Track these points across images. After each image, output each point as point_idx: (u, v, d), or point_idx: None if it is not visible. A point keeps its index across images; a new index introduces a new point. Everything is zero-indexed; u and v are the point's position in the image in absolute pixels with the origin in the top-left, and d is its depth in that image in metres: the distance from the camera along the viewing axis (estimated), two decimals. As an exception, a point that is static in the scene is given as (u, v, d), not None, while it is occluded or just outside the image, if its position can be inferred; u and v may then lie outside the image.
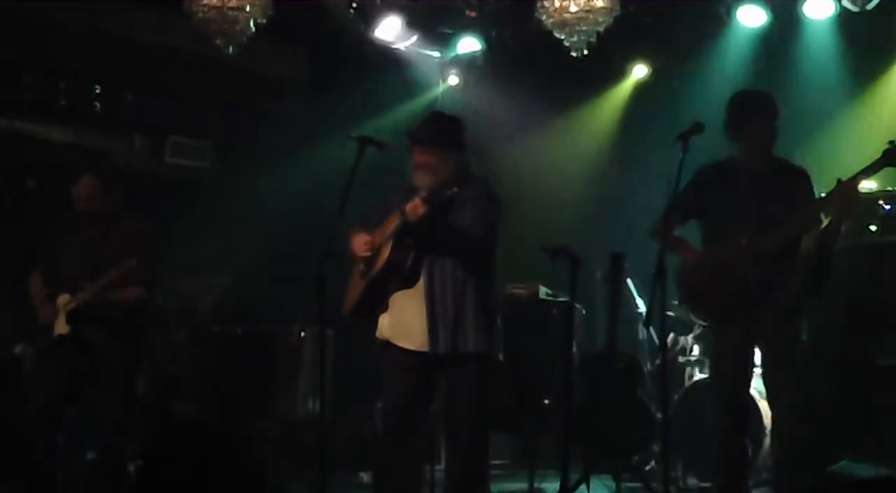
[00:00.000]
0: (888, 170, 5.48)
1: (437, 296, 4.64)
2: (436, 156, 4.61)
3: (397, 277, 4.68)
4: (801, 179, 5.01)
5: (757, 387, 5.84)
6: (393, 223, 4.65)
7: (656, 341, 6.91)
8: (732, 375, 5.00)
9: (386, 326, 4.78)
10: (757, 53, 7.69)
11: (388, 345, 4.77)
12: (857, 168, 4.80)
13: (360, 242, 4.79)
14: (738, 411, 4.99)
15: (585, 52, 6.56)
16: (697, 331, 7.03)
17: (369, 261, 4.76)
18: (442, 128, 4.72)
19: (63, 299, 5.60)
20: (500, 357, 4.91)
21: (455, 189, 4.46)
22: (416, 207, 4.50)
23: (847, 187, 4.73)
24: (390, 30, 7.73)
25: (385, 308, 4.78)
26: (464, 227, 4.64)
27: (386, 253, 4.65)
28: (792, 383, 4.92)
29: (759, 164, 5.01)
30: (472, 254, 4.67)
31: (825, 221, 4.85)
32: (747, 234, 4.88)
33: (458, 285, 4.65)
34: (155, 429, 6.22)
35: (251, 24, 6.48)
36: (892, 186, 6.25)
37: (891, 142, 4.68)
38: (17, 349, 6.58)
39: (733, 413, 4.98)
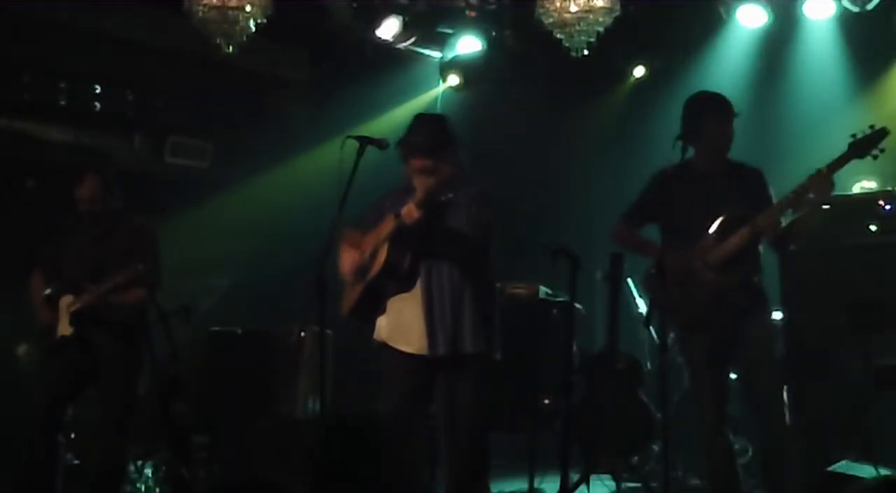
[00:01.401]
0: (888, 170, 5.53)
1: (435, 298, 4.65)
2: (432, 160, 4.61)
3: (394, 279, 4.68)
4: (756, 179, 5.01)
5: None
6: (388, 226, 4.65)
7: (656, 341, 6.90)
8: (709, 381, 4.99)
9: (384, 328, 4.78)
10: (757, 53, 7.69)
11: (386, 347, 4.77)
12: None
13: (347, 264, 4.79)
14: (718, 417, 4.98)
15: (585, 52, 6.56)
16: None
17: (366, 264, 4.76)
18: (432, 131, 4.71)
19: (66, 300, 5.60)
20: (499, 357, 4.90)
21: (451, 195, 4.47)
22: (410, 211, 4.50)
23: (821, 177, 4.75)
24: (390, 30, 7.72)
25: (383, 310, 4.78)
26: (459, 229, 4.63)
27: (383, 256, 4.65)
28: (772, 385, 4.91)
29: (713, 166, 5.00)
30: (468, 255, 4.67)
31: (783, 222, 4.86)
32: (704, 239, 4.87)
33: (456, 286, 4.66)
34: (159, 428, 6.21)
35: (251, 23, 6.48)
36: (892, 186, 6.25)
37: (853, 135, 4.73)
38: (18, 350, 6.58)
39: (714, 420, 4.97)
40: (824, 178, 4.76)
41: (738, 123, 5.08)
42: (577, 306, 6.75)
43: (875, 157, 4.75)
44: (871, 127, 4.75)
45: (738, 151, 5.15)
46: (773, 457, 4.92)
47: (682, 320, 5.04)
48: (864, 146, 4.73)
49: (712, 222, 4.88)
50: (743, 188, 4.94)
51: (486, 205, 4.74)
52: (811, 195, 4.81)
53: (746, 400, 5.13)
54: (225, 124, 8.19)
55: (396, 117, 8.24)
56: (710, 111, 4.98)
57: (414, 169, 4.67)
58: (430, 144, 4.64)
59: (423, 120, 4.87)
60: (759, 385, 4.93)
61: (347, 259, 4.82)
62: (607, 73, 8.44)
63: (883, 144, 4.75)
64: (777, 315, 6.14)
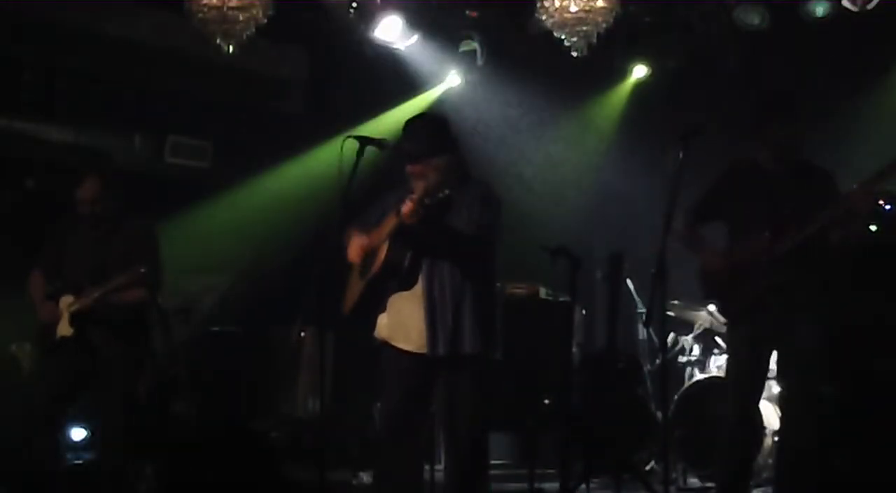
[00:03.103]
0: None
1: (436, 298, 4.65)
2: (422, 164, 4.62)
3: (394, 278, 4.69)
4: (824, 181, 4.98)
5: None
6: (389, 224, 4.65)
7: (656, 341, 6.91)
8: (744, 374, 5.00)
9: (384, 326, 4.79)
10: (757, 53, 7.69)
11: (386, 345, 4.78)
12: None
13: (354, 248, 4.80)
14: (746, 410, 4.99)
15: (585, 52, 6.56)
16: (697, 331, 7.04)
17: (367, 262, 4.77)
18: (421, 137, 4.70)
19: (66, 300, 5.60)
20: (500, 357, 4.91)
21: (447, 192, 4.46)
22: (408, 210, 4.50)
23: (860, 192, 4.71)
24: (390, 30, 7.73)
25: (383, 309, 4.78)
26: (460, 229, 4.64)
27: (383, 254, 4.66)
28: (805, 388, 4.90)
29: (780, 166, 4.98)
30: (468, 256, 4.67)
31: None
32: (761, 236, 4.87)
33: (457, 286, 4.65)
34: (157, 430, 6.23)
35: (251, 24, 6.49)
36: (892, 187, 6.25)
37: None
38: (16, 349, 6.59)
39: (741, 412, 4.97)
40: (863, 193, 4.71)
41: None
42: (577, 305, 6.78)
43: None
44: None
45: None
46: (795, 457, 4.91)
47: (730, 313, 5.08)
48: None
49: (775, 221, 4.87)
50: (808, 188, 4.91)
51: (489, 205, 4.73)
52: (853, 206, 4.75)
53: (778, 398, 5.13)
54: (225, 124, 8.19)
55: (396, 117, 8.25)
56: (777, 110, 4.98)
57: (407, 172, 4.69)
58: (419, 150, 4.64)
59: (414, 125, 4.84)
60: (793, 384, 4.92)
61: (355, 243, 4.81)
62: (607, 73, 8.44)
63: None
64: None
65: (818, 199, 4.86)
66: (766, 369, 5.09)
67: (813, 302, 4.94)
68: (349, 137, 4.72)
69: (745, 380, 4.99)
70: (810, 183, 4.95)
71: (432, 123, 4.83)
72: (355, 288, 4.84)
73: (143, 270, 5.39)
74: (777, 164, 4.98)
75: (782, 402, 5.08)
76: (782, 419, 5.04)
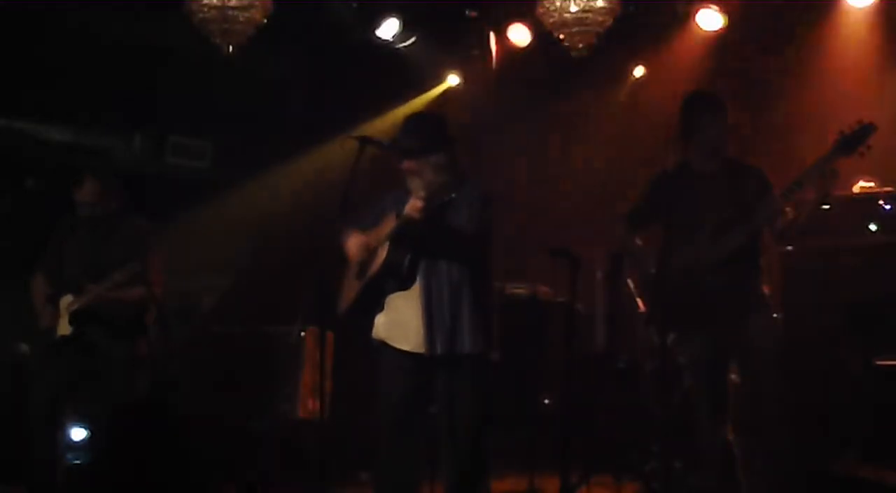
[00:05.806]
0: (888, 169, 5.52)
1: (434, 298, 4.65)
2: (418, 162, 4.62)
3: (394, 278, 4.69)
4: (753, 177, 4.98)
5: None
6: (389, 225, 4.66)
7: (656, 341, 6.91)
8: (707, 381, 5.00)
9: (382, 326, 4.79)
10: (757, 52, 7.69)
11: (384, 345, 4.78)
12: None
13: (355, 246, 4.79)
14: (716, 416, 4.99)
15: (585, 52, 6.56)
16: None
17: (365, 262, 4.77)
18: (420, 133, 4.70)
19: (66, 300, 5.61)
20: (497, 357, 4.91)
21: (454, 195, 4.48)
22: (415, 207, 4.51)
23: (780, 200, 4.75)
24: (390, 30, 7.73)
25: (381, 309, 4.78)
26: (459, 228, 4.64)
27: (383, 254, 4.66)
28: (769, 386, 4.90)
29: (709, 166, 4.99)
30: (468, 256, 4.68)
31: (791, 214, 4.85)
32: (700, 238, 4.87)
33: (455, 286, 4.66)
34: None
35: (251, 24, 6.49)
36: (892, 186, 6.25)
37: (841, 131, 4.67)
38: (18, 349, 6.59)
39: (711, 419, 4.98)
40: (820, 174, 4.73)
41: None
42: (577, 306, 6.77)
43: (862, 154, 4.69)
44: (860, 123, 4.69)
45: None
46: (768, 457, 4.92)
47: (682, 321, 5.05)
48: (850, 143, 4.67)
49: (708, 222, 4.88)
50: (741, 187, 4.92)
51: (487, 205, 4.74)
52: (808, 194, 4.79)
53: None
54: (225, 124, 8.19)
55: (396, 117, 8.25)
56: (704, 110, 4.98)
57: (402, 170, 4.69)
58: (416, 146, 4.65)
59: (411, 121, 4.86)
60: (755, 386, 4.92)
61: (358, 242, 4.80)
62: (607, 73, 8.43)
63: (870, 141, 4.67)
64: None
65: (751, 198, 4.86)
66: (728, 373, 5.09)
67: (761, 301, 4.94)
68: (349, 137, 4.73)
69: (709, 388, 4.99)
70: (742, 182, 4.94)
71: (430, 121, 4.84)
72: (352, 289, 4.84)
73: (139, 265, 5.39)
74: (707, 164, 4.98)
75: (746, 403, 5.06)
76: (753, 419, 5.03)
